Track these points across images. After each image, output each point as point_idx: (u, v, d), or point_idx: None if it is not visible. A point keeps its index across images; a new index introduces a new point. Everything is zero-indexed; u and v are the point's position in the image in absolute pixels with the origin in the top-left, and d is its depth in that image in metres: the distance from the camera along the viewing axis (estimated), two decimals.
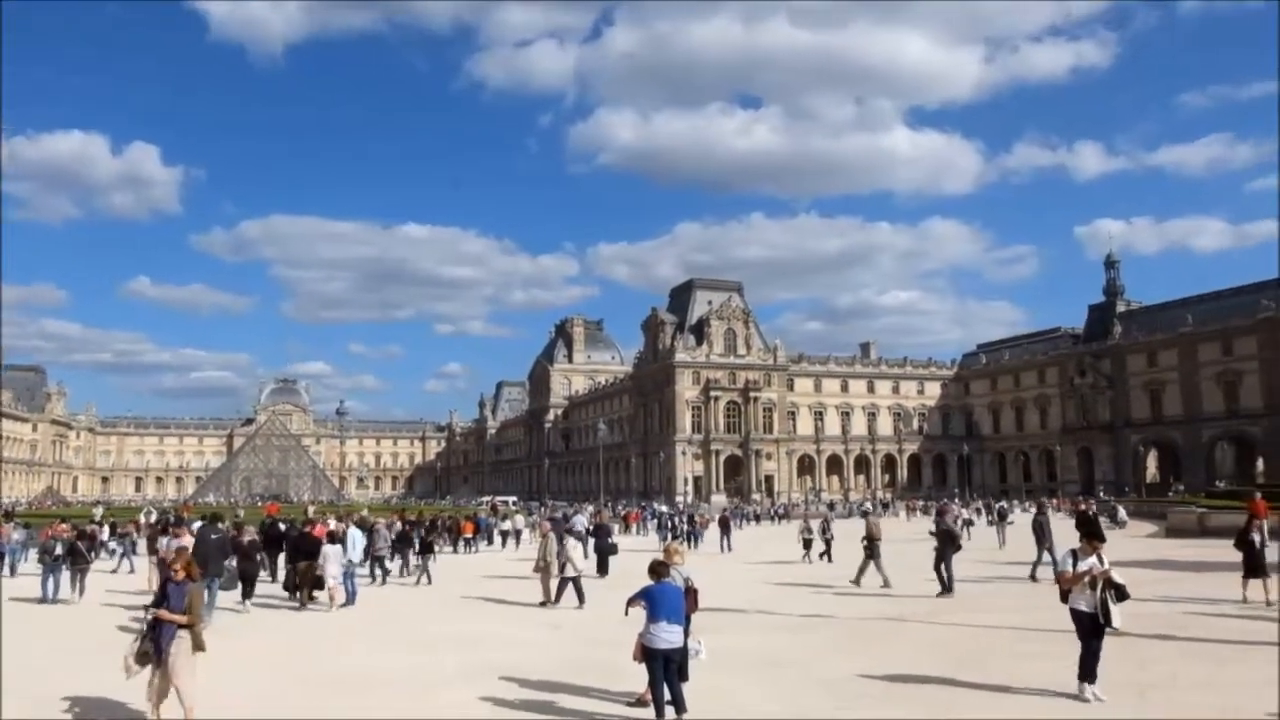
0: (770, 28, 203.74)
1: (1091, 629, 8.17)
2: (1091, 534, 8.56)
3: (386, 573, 20.43)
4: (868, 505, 55.31)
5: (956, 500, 70.39)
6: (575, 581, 16.16)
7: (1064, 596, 8.44)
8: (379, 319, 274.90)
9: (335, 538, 16.62)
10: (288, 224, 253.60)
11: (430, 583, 19.81)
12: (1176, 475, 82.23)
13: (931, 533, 17.84)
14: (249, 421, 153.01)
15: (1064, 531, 19.63)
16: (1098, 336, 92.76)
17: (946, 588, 16.53)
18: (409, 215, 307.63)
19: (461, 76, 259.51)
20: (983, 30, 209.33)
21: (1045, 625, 12.63)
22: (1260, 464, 76.82)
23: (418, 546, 21.27)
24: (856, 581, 18.21)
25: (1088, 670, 8.23)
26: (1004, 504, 51.82)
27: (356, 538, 17.47)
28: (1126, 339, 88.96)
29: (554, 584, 16.49)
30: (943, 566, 16.77)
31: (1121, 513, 43.04)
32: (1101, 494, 66.23)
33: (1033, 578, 18.77)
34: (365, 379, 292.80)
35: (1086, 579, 8.18)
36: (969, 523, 40.06)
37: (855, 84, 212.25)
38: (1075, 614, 8.29)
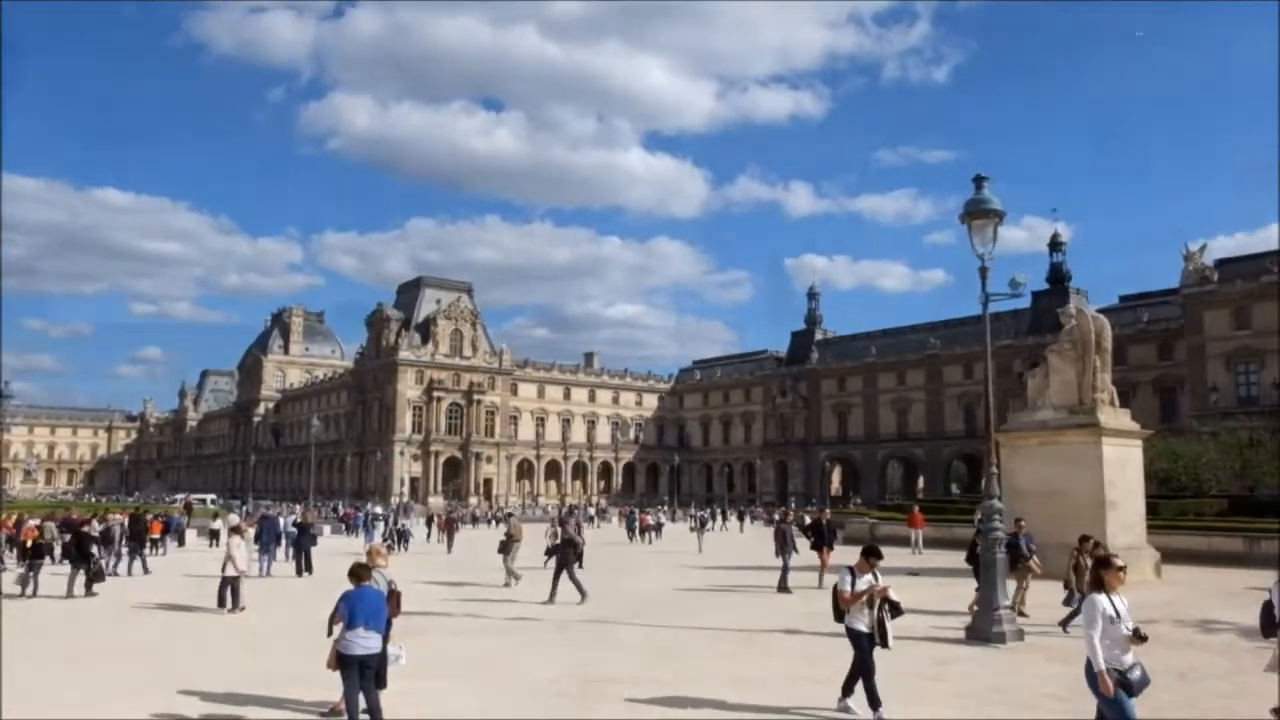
0: (519, 34, 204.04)
1: (869, 648, 7.99)
2: (870, 550, 8.35)
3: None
4: (512, 510, 55.21)
5: (664, 507, 74.05)
6: (233, 582, 15.47)
7: (839, 615, 8.20)
8: (64, 292, 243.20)
9: None
10: None
11: (93, 593, 17.65)
12: (855, 489, 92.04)
13: (553, 546, 18.40)
14: None
15: (767, 539, 20.95)
16: (798, 360, 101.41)
17: (581, 593, 16.35)
18: (108, 178, 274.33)
19: (179, 35, 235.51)
20: (717, 68, 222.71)
21: (745, 627, 13.65)
22: (921, 481, 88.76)
23: (80, 551, 18.44)
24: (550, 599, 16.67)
25: (848, 687, 8.17)
26: (704, 513, 55.26)
27: None
28: (821, 364, 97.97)
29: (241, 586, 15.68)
30: (566, 574, 16.65)
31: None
32: (793, 505, 72.64)
33: (782, 587, 18.26)
34: (41, 359, 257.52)
35: (864, 597, 8.01)
36: (658, 526, 42.94)
37: (598, 101, 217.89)
38: (853, 633, 8.06)
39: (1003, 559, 12.59)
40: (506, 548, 19.70)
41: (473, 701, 8.78)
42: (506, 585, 18.91)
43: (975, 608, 12.94)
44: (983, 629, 12.13)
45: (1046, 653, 11.39)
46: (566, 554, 17.10)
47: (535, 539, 23.82)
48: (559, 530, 18.45)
